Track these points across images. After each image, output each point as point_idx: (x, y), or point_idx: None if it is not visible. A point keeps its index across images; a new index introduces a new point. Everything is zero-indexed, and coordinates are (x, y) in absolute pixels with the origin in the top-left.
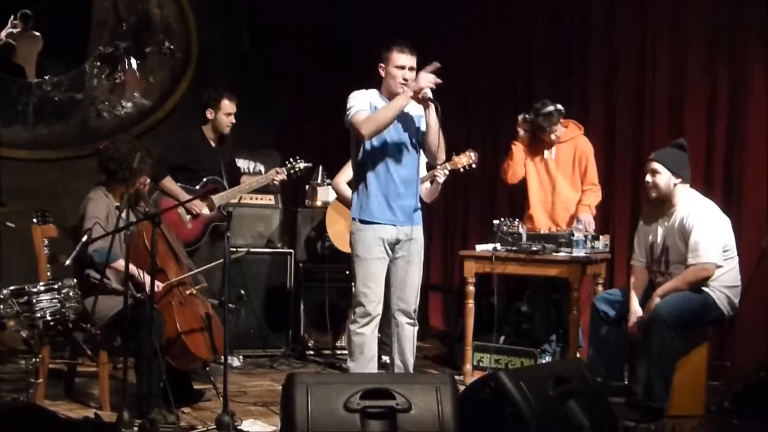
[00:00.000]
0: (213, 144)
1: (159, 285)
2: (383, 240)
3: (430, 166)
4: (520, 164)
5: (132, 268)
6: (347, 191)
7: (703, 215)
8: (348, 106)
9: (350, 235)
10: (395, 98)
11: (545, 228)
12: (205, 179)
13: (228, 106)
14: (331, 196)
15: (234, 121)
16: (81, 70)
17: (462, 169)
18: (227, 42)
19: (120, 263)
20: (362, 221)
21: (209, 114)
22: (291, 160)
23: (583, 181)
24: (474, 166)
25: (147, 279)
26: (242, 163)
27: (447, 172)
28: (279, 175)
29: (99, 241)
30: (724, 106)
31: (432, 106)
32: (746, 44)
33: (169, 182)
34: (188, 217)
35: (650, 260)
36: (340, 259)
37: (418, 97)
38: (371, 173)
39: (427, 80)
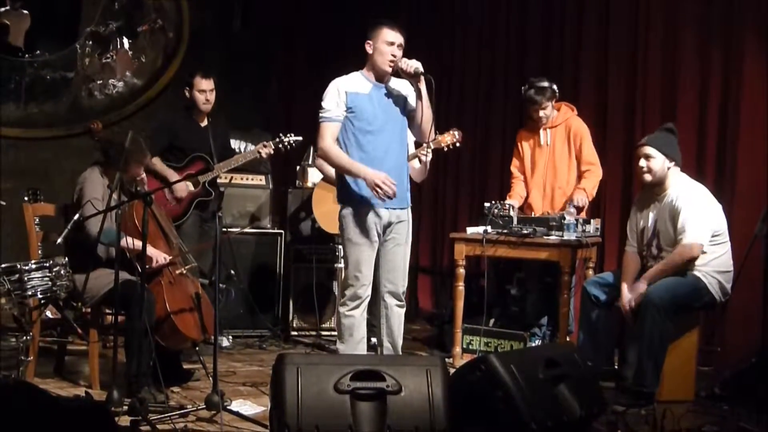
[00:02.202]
0: (200, 123)
1: (166, 258)
2: (375, 224)
3: (418, 144)
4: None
5: (136, 243)
6: (332, 171)
7: (693, 197)
8: (322, 103)
9: (340, 218)
10: (355, 171)
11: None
12: (191, 156)
13: (201, 82)
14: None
15: (210, 98)
16: (72, 49)
17: (446, 148)
18: (219, 23)
19: (128, 241)
20: (353, 205)
21: (187, 93)
22: (281, 135)
23: (580, 162)
24: (458, 144)
25: (153, 252)
26: (234, 144)
27: (430, 151)
28: (266, 148)
29: (102, 224)
30: (717, 90)
31: (423, 80)
32: (740, 27)
33: (157, 162)
34: (171, 195)
35: (641, 245)
36: (329, 240)
37: (410, 72)
38: (361, 157)
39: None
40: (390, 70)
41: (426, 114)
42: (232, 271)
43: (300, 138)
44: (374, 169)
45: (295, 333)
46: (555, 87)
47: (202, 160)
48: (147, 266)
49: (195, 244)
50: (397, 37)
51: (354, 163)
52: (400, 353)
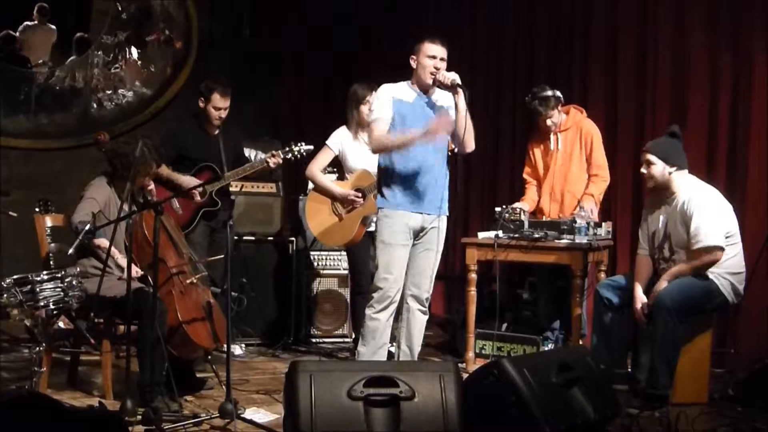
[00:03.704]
0: (210, 133)
1: (138, 271)
2: (410, 227)
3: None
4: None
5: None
6: (323, 180)
7: (704, 200)
8: (371, 107)
9: (377, 221)
10: (410, 137)
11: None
12: (199, 165)
13: (218, 100)
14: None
15: (223, 116)
16: (82, 60)
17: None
18: (228, 31)
19: (101, 241)
20: (390, 209)
21: (201, 104)
22: (291, 144)
23: (589, 164)
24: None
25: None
26: (246, 152)
27: None
28: (274, 158)
29: (85, 215)
30: (727, 92)
31: (461, 92)
32: (750, 28)
33: (163, 170)
34: (178, 205)
35: (653, 248)
36: (341, 248)
37: (447, 84)
38: (401, 164)
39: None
40: (431, 82)
41: (464, 124)
42: (244, 280)
43: (311, 147)
44: (414, 176)
45: (307, 340)
46: (558, 93)
47: (210, 169)
48: (119, 278)
49: (205, 254)
50: (438, 51)
51: (404, 136)
52: (417, 359)
